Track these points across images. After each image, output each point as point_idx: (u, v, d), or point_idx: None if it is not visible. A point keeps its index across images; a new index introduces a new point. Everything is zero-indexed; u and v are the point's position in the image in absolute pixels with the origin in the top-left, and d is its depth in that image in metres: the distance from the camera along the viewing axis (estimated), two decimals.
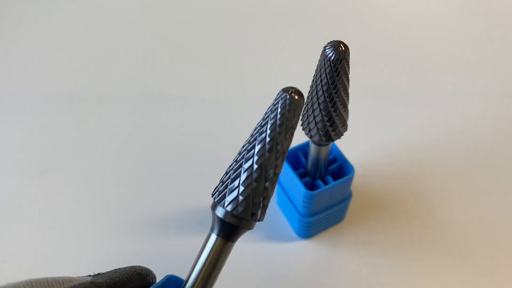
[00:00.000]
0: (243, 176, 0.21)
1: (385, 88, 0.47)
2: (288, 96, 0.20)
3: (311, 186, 0.34)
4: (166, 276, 0.24)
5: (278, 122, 0.20)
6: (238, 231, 0.22)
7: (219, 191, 0.22)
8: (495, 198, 0.39)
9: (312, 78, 0.26)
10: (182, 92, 0.46)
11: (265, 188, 0.21)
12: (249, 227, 0.22)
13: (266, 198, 0.21)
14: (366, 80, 0.47)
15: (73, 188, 0.40)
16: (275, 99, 0.20)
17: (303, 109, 0.28)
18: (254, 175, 0.21)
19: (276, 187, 0.36)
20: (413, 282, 0.34)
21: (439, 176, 0.40)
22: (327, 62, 0.24)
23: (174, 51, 0.50)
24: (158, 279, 0.24)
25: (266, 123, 0.20)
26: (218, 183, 0.22)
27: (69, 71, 0.49)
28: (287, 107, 0.20)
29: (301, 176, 0.33)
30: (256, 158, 0.20)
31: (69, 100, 0.46)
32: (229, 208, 0.21)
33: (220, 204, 0.21)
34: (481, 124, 0.44)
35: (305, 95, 0.27)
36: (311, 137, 0.29)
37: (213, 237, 0.22)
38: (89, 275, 0.23)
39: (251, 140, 0.21)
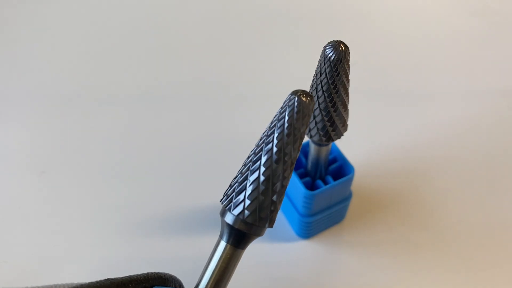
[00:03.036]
0: (250, 189, 0.20)
1: (385, 88, 0.47)
2: (296, 103, 0.18)
3: (311, 186, 0.34)
4: None
5: (285, 131, 0.19)
6: (248, 238, 0.22)
7: (227, 197, 0.21)
8: (495, 197, 0.39)
9: (312, 78, 0.26)
10: (183, 92, 0.46)
11: (273, 202, 0.20)
12: (259, 233, 0.22)
13: (275, 208, 0.21)
14: (366, 80, 0.47)
15: (73, 188, 0.40)
16: (282, 106, 0.19)
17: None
18: (261, 187, 0.20)
19: None
20: (413, 282, 0.34)
21: (439, 176, 0.40)
22: (327, 62, 0.24)
23: (175, 51, 0.50)
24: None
25: (273, 132, 0.19)
26: (227, 187, 0.22)
27: (69, 72, 0.49)
28: (295, 115, 0.19)
29: (301, 176, 0.33)
30: (263, 169, 0.20)
31: (70, 101, 0.46)
32: (239, 215, 0.21)
33: (230, 210, 0.21)
34: (481, 124, 0.44)
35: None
36: (311, 137, 0.29)
37: (223, 244, 0.22)
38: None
39: (257, 150, 0.20)
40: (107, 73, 0.48)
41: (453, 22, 0.53)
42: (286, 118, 0.19)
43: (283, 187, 0.20)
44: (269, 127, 0.20)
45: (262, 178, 0.20)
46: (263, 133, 0.20)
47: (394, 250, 0.36)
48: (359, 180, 0.39)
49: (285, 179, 0.20)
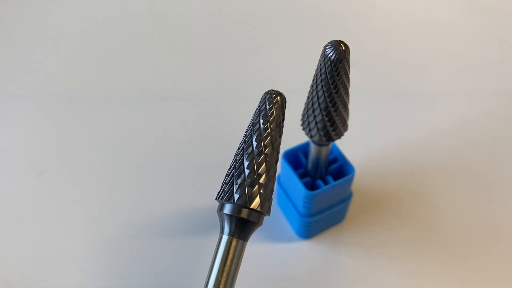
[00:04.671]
0: (242, 177, 0.22)
1: (385, 88, 0.47)
2: (268, 96, 0.23)
3: (311, 186, 0.34)
4: None
5: (264, 120, 0.23)
6: (248, 225, 0.23)
7: (225, 192, 0.23)
8: (496, 197, 0.39)
9: (312, 78, 0.26)
10: (183, 92, 0.46)
11: (265, 185, 0.22)
12: (258, 219, 0.23)
13: (267, 191, 0.23)
14: (366, 80, 0.47)
15: (73, 188, 0.40)
16: (260, 101, 0.23)
17: (303, 109, 0.28)
18: (252, 173, 0.22)
19: (276, 187, 0.36)
20: (413, 282, 0.34)
21: (439, 176, 0.40)
22: (327, 62, 0.24)
23: (174, 51, 0.50)
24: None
25: (258, 122, 0.23)
26: (222, 185, 0.23)
27: (69, 72, 0.49)
28: (269, 105, 0.23)
29: (301, 176, 0.33)
30: (250, 158, 0.23)
31: (69, 101, 0.46)
32: (235, 202, 0.22)
33: (227, 200, 0.22)
34: (481, 124, 0.44)
35: (305, 95, 0.28)
36: (311, 137, 0.29)
37: (225, 238, 0.23)
38: None
39: (247, 139, 0.23)
40: (107, 73, 0.48)
41: (453, 22, 0.53)
42: (267, 109, 0.23)
43: (274, 172, 0.23)
44: (253, 119, 0.23)
45: (251, 166, 0.22)
46: (249, 125, 0.23)
47: (394, 250, 0.36)
48: (360, 180, 0.39)
49: (273, 164, 0.23)
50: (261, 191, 0.22)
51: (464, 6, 0.54)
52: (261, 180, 0.22)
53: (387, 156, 0.41)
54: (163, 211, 0.38)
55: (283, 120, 0.23)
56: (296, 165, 0.34)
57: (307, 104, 0.27)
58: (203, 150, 0.42)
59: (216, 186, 0.38)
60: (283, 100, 0.23)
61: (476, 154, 0.42)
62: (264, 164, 0.23)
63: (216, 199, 0.24)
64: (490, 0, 0.55)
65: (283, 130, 0.24)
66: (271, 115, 0.23)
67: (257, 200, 0.22)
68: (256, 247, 0.36)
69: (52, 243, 0.36)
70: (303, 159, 0.34)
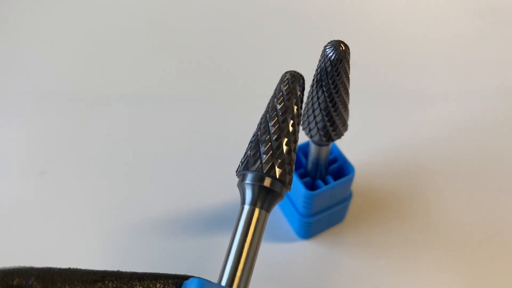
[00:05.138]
0: (263, 146, 0.23)
1: (385, 88, 0.47)
2: (289, 74, 0.24)
3: (311, 186, 0.33)
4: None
5: (285, 92, 0.23)
6: (272, 196, 0.22)
7: (248, 161, 0.23)
8: (496, 197, 0.39)
9: (312, 78, 0.26)
10: (184, 92, 0.46)
11: (286, 155, 0.23)
12: (281, 191, 0.23)
13: (292, 161, 0.23)
14: (366, 80, 0.47)
15: (73, 188, 0.40)
16: (282, 79, 0.24)
17: (303, 109, 0.28)
18: (274, 143, 0.22)
19: None
20: (413, 282, 0.34)
21: (439, 176, 0.40)
22: (327, 61, 0.24)
23: (174, 52, 0.50)
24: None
25: (280, 96, 0.24)
26: (243, 158, 0.23)
27: (68, 72, 0.49)
28: (290, 79, 0.24)
29: (301, 176, 0.33)
30: (272, 129, 0.23)
31: (69, 101, 0.46)
32: (257, 169, 0.22)
33: (248, 168, 0.22)
34: (481, 124, 0.44)
35: (306, 95, 0.28)
36: (311, 137, 0.29)
37: (246, 207, 0.22)
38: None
39: (265, 116, 0.23)
40: (107, 73, 0.48)
41: (454, 22, 0.53)
42: (284, 87, 0.24)
43: (293, 143, 0.23)
44: (274, 94, 0.24)
45: (273, 136, 0.23)
46: (270, 100, 0.24)
47: (394, 250, 0.36)
48: (360, 180, 0.39)
49: (293, 135, 0.23)
50: (285, 161, 0.22)
51: (464, 6, 0.54)
52: (285, 151, 0.23)
53: (387, 156, 0.41)
54: (163, 211, 0.38)
55: (302, 100, 0.24)
56: (296, 165, 0.34)
57: (307, 104, 0.27)
58: (204, 150, 0.42)
59: (219, 185, 0.38)
60: (303, 80, 0.24)
61: (476, 154, 0.42)
62: (288, 131, 0.23)
63: (237, 171, 0.23)
64: (490, 0, 0.55)
65: None
66: (294, 88, 0.24)
67: (280, 170, 0.22)
68: None
69: (52, 243, 0.36)
70: (303, 159, 0.34)
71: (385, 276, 0.35)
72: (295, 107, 0.23)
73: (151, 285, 0.20)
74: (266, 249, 0.36)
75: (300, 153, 0.34)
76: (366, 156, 0.41)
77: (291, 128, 0.23)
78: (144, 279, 0.20)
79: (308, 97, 0.27)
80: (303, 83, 0.24)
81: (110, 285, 0.20)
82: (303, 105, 0.28)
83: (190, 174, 0.40)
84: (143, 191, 0.39)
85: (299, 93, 0.24)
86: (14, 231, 0.37)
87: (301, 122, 0.29)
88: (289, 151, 0.23)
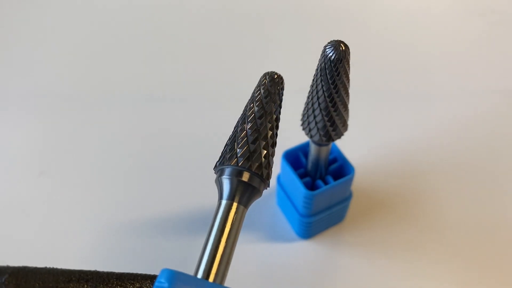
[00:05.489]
0: (239, 141, 0.23)
1: (385, 88, 0.47)
2: (270, 76, 0.24)
3: (311, 186, 0.33)
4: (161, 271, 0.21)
5: (263, 92, 0.24)
6: (249, 191, 0.22)
7: (225, 156, 0.23)
8: (495, 197, 0.39)
9: (312, 78, 0.26)
10: (182, 92, 0.46)
11: (262, 150, 0.23)
12: (259, 186, 0.23)
13: (269, 156, 0.23)
14: (366, 80, 0.47)
15: (72, 188, 0.40)
16: (259, 81, 0.24)
17: (303, 109, 0.28)
18: (250, 138, 0.23)
19: (276, 187, 0.36)
20: (413, 282, 0.34)
21: (439, 176, 0.40)
22: (327, 61, 0.24)
23: (173, 52, 0.50)
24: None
25: (258, 95, 0.24)
26: (221, 154, 0.23)
27: (68, 73, 0.49)
28: (269, 82, 0.24)
29: (301, 176, 0.33)
30: (249, 125, 0.23)
31: (69, 101, 0.46)
32: (233, 163, 0.22)
33: (224, 163, 0.23)
34: (481, 124, 0.44)
35: (305, 95, 0.28)
36: (311, 137, 0.29)
37: (223, 202, 0.22)
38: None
39: (248, 108, 0.24)
40: (106, 74, 0.48)
41: (453, 22, 0.53)
42: (262, 88, 0.24)
43: (270, 138, 0.23)
44: (252, 94, 0.24)
45: (249, 131, 0.23)
46: (249, 100, 0.24)
47: (394, 250, 0.36)
48: (359, 180, 0.39)
49: (269, 131, 0.23)
50: (262, 156, 0.23)
51: (464, 6, 0.54)
52: (262, 146, 0.23)
53: (387, 156, 0.41)
54: (163, 211, 0.38)
55: (281, 95, 0.24)
56: (296, 165, 0.34)
57: (307, 104, 0.27)
58: (203, 150, 0.42)
59: (213, 185, 0.38)
60: (280, 78, 0.24)
61: (476, 154, 0.42)
62: (264, 127, 0.23)
63: (214, 167, 0.23)
64: (490, 0, 0.55)
65: (282, 125, 0.25)
66: (271, 86, 0.24)
67: (257, 164, 0.22)
68: (256, 247, 0.36)
69: (52, 243, 0.36)
70: (303, 159, 0.34)
71: (385, 276, 0.35)
72: (272, 105, 0.24)
73: (129, 285, 0.20)
74: (266, 249, 0.36)
75: (300, 153, 0.34)
76: (366, 156, 0.41)
77: (268, 124, 0.23)
78: (122, 278, 0.20)
79: (308, 97, 0.27)
80: (281, 82, 0.25)
81: (85, 285, 0.20)
82: (304, 105, 0.28)
83: (190, 174, 0.40)
84: (143, 191, 0.39)
85: (276, 89, 0.24)
86: (13, 231, 0.37)
87: (301, 122, 0.29)
88: (266, 145, 0.23)
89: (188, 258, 0.35)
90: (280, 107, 0.24)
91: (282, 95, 0.24)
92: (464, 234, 0.37)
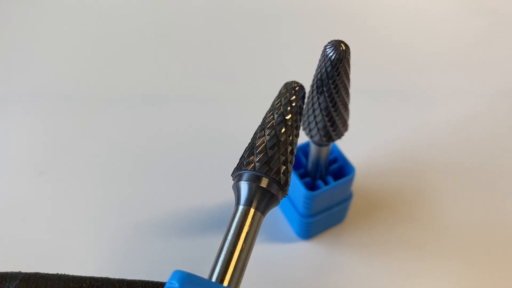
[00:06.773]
0: (257, 147, 0.22)
1: (386, 88, 0.47)
2: (290, 85, 0.25)
3: (311, 187, 0.33)
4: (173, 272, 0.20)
5: (283, 101, 0.24)
6: (268, 198, 0.22)
7: (244, 161, 0.22)
8: (496, 197, 0.39)
9: (313, 78, 0.26)
10: (183, 92, 0.46)
11: (280, 156, 0.22)
12: (277, 193, 0.22)
13: (285, 165, 0.23)
14: (367, 80, 0.47)
15: (73, 188, 0.39)
16: (282, 88, 0.25)
17: (303, 109, 0.28)
18: (268, 143, 0.22)
19: None
20: (413, 282, 0.34)
21: (439, 176, 0.40)
22: (327, 61, 0.24)
23: (173, 51, 0.50)
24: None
25: (278, 104, 0.24)
26: (240, 159, 0.23)
27: (68, 72, 0.48)
28: (290, 90, 0.25)
29: (301, 177, 0.33)
30: (268, 131, 0.23)
31: (69, 101, 0.46)
32: (250, 169, 0.22)
33: (241, 168, 0.22)
34: (481, 124, 0.44)
35: (306, 95, 0.27)
36: (311, 137, 0.29)
37: (241, 208, 0.22)
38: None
39: (267, 116, 0.24)
40: (107, 74, 0.48)
41: (454, 22, 0.53)
42: (283, 95, 0.25)
43: (290, 145, 0.23)
44: (273, 103, 0.25)
45: (267, 137, 0.23)
46: (269, 108, 0.24)
47: (394, 251, 0.36)
48: (360, 181, 0.39)
49: (289, 137, 0.23)
50: (281, 162, 0.22)
51: (464, 6, 0.54)
52: (281, 152, 0.22)
53: (387, 156, 0.41)
54: (164, 212, 0.38)
55: (302, 103, 0.25)
56: (296, 165, 0.34)
57: (307, 104, 0.27)
58: (204, 150, 0.42)
59: (218, 186, 0.38)
60: (301, 87, 0.25)
61: (476, 154, 0.42)
62: (283, 133, 0.23)
63: (232, 173, 0.23)
64: (490, 0, 0.55)
65: None
66: (292, 96, 0.24)
67: (275, 169, 0.22)
68: (256, 247, 0.36)
69: (52, 243, 0.36)
70: (303, 159, 0.34)
71: (385, 276, 0.35)
72: (292, 113, 0.24)
73: None
74: (266, 249, 0.36)
75: (300, 153, 0.34)
76: (366, 156, 0.41)
77: (288, 132, 0.23)
78: (134, 285, 0.20)
79: (308, 97, 0.27)
80: (302, 91, 0.25)
81: None
82: (304, 105, 0.28)
83: (190, 174, 0.40)
84: (143, 191, 0.39)
85: (297, 101, 0.25)
86: (13, 231, 0.37)
87: (301, 122, 0.29)
88: (284, 152, 0.23)
89: (193, 258, 0.35)
90: (301, 115, 0.25)
91: (303, 103, 0.25)
92: (464, 234, 0.37)
